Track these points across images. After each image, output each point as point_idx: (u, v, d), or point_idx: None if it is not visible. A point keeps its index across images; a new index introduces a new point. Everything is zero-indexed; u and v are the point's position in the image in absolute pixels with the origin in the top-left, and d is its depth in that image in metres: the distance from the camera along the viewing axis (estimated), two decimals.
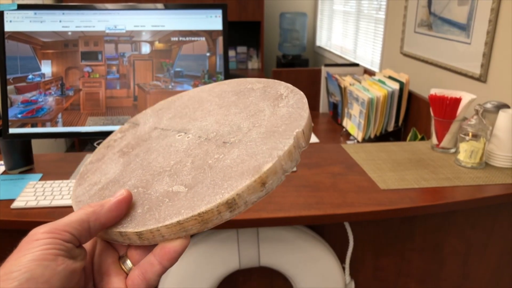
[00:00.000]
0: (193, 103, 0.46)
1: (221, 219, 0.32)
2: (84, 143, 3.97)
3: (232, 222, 1.00)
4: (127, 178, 0.39)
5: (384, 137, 2.27)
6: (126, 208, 0.35)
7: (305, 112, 0.37)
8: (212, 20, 1.17)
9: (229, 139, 0.37)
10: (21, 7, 1.11)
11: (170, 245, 0.32)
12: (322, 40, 4.16)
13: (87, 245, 0.35)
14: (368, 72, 2.71)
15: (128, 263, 0.35)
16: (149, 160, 0.40)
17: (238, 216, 1.01)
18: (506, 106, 1.28)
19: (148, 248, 0.34)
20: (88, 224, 0.32)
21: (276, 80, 0.44)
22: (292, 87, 0.41)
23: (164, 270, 0.33)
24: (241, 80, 0.46)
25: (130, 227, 0.33)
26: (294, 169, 0.35)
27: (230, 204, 0.32)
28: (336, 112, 2.63)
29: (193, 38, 1.16)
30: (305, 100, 0.38)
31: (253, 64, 4.17)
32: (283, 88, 0.42)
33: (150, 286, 0.33)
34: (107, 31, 1.14)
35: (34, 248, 0.29)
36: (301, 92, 0.40)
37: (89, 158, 0.46)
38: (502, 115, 1.21)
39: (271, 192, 0.33)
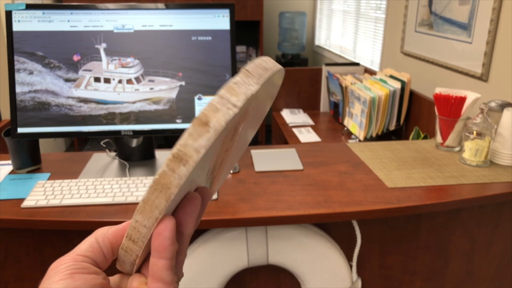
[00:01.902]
0: None
1: (180, 176, 0.30)
2: (83, 143, 3.97)
3: (241, 221, 1.01)
4: None
5: (385, 136, 2.29)
6: None
7: (255, 59, 0.36)
8: (220, 20, 1.18)
9: None
10: (29, 7, 1.12)
11: (156, 233, 0.31)
12: (321, 39, 4.17)
13: (118, 279, 0.35)
14: (369, 71, 2.72)
15: None
16: None
17: (246, 214, 1.02)
18: (510, 105, 1.30)
19: None
20: (98, 244, 0.33)
21: None
22: None
23: (169, 262, 0.31)
24: None
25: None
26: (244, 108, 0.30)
27: (177, 156, 0.30)
28: (337, 111, 2.64)
29: None
30: (265, 57, 0.38)
31: None
32: None
33: (168, 283, 0.32)
34: (115, 30, 1.15)
35: (52, 276, 0.30)
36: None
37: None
38: (507, 113, 1.22)
39: (224, 130, 0.31)
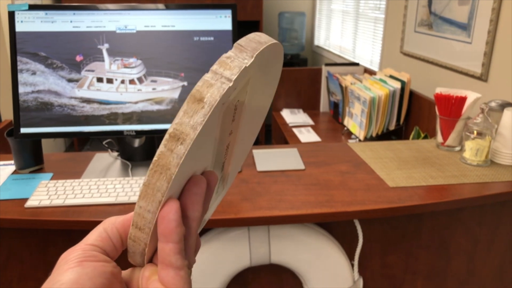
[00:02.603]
0: None
1: (179, 156, 0.29)
2: (83, 143, 3.97)
3: (243, 220, 1.01)
4: None
5: (385, 135, 2.29)
6: None
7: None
8: (222, 20, 1.18)
9: None
10: (32, 7, 1.12)
11: (161, 217, 0.30)
12: (321, 39, 4.18)
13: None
14: (368, 72, 2.73)
15: None
16: None
17: (249, 214, 1.02)
18: (510, 104, 1.30)
19: None
20: (107, 233, 0.33)
21: None
22: None
23: (177, 245, 0.30)
24: None
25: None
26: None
27: (174, 135, 0.29)
28: (337, 111, 2.64)
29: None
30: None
31: None
32: None
33: (178, 268, 0.31)
34: (118, 31, 1.15)
35: (61, 266, 0.30)
36: None
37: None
38: (507, 113, 1.23)
39: (219, 105, 0.30)
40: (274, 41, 0.34)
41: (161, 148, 0.29)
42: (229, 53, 0.31)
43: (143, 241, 0.32)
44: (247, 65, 0.31)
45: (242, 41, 0.33)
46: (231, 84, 0.30)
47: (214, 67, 0.30)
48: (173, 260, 0.30)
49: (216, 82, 0.30)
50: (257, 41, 0.33)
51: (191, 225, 0.33)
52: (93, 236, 0.33)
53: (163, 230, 0.30)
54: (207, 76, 0.30)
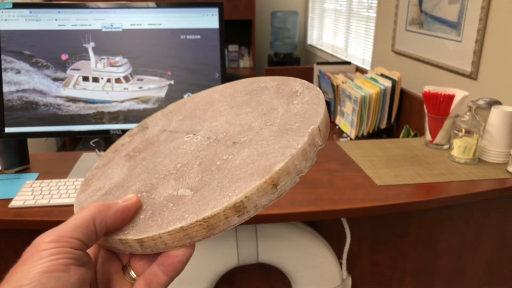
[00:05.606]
0: (204, 104, 0.44)
1: (229, 224, 0.30)
2: (75, 143, 3.95)
3: None
4: (132, 183, 0.37)
5: (376, 134, 2.29)
6: (133, 214, 0.33)
7: (321, 108, 0.34)
8: (209, 19, 1.18)
9: (239, 139, 0.35)
10: (16, 5, 1.11)
11: (174, 254, 0.30)
12: (313, 38, 4.18)
13: (90, 253, 0.33)
14: (360, 70, 2.73)
15: (132, 273, 0.34)
16: (155, 164, 0.38)
17: None
18: (498, 102, 1.31)
19: (151, 256, 0.33)
20: (94, 226, 0.31)
21: (290, 77, 0.41)
22: (307, 83, 0.39)
23: (170, 280, 0.31)
24: (255, 79, 0.44)
25: (131, 234, 0.31)
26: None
27: (238, 208, 0.29)
28: (329, 110, 2.64)
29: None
30: (321, 96, 0.36)
31: (245, 62, 4.18)
32: (298, 84, 0.39)
33: None
34: (103, 29, 1.14)
35: (42, 259, 0.28)
36: (318, 88, 0.37)
37: (95, 163, 0.43)
38: (495, 111, 1.23)
39: (284, 194, 0.30)
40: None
41: (218, 209, 0.29)
42: (315, 136, 0.32)
43: (132, 251, 0.32)
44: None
45: (321, 122, 0.33)
46: (299, 177, 0.31)
47: (297, 154, 0.31)
48: None
49: (292, 171, 0.31)
50: (326, 123, 0.34)
51: None
52: (79, 226, 0.30)
53: (169, 265, 0.31)
54: (288, 162, 0.30)
